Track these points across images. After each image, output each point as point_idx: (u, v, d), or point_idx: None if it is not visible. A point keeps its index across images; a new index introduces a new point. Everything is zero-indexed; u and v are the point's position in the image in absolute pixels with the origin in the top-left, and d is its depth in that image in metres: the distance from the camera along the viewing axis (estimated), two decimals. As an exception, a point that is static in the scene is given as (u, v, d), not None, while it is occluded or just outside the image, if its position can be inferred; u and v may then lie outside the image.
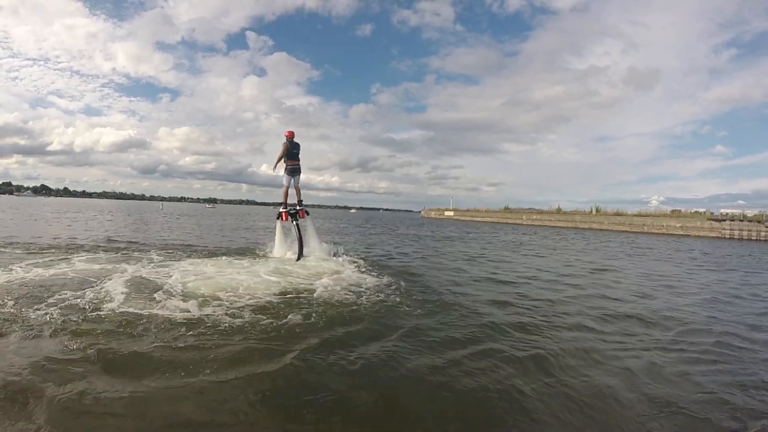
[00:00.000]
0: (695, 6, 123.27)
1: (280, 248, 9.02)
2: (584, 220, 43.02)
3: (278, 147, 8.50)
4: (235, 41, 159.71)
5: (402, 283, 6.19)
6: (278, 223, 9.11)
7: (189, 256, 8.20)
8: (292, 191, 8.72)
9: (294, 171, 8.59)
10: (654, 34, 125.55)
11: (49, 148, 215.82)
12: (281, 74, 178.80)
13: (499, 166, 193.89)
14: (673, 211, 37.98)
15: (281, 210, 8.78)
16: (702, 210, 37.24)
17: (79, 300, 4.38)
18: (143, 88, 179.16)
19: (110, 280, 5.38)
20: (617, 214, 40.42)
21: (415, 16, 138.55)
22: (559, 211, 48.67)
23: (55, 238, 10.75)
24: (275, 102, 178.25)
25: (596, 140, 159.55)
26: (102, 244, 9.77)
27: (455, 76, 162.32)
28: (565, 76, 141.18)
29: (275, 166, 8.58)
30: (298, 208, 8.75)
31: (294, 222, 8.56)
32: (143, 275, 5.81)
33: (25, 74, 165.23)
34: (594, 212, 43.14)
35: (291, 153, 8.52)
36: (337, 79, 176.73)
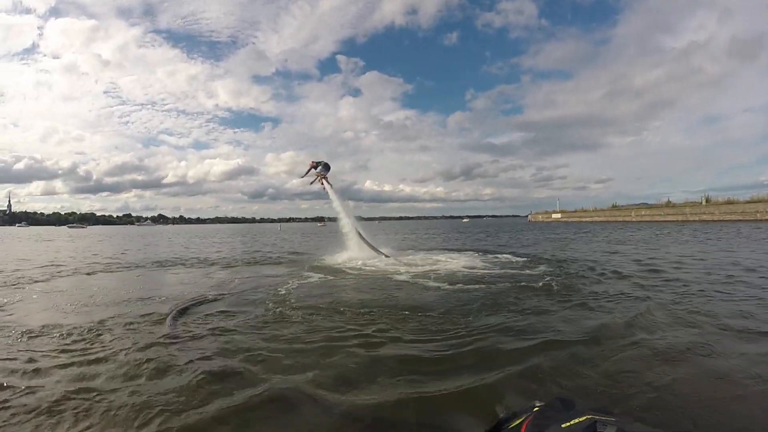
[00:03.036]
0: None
1: (360, 250, 11.74)
2: (694, 212, 43.40)
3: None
4: (327, 66, 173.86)
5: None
6: (354, 233, 12.33)
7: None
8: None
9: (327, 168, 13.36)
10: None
11: (164, 181, 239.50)
12: (375, 92, 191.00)
13: (605, 161, 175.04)
14: (793, 193, 36.21)
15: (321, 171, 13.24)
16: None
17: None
18: (246, 120, 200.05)
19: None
20: (728, 202, 40.12)
21: (498, 17, 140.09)
22: (668, 204, 49.03)
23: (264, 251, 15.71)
24: (373, 119, 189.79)
25: (705, 122, 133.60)
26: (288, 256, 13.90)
27: (549, 73, 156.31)
28: (662, 58, 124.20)
29: (307, 176, 13.21)
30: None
31: (327, 182, 13.11)
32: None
33: (135, 118, 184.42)
34: (704, 203, 43.21)
35: (318, 166, 13.25)
36: (431, 90, 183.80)
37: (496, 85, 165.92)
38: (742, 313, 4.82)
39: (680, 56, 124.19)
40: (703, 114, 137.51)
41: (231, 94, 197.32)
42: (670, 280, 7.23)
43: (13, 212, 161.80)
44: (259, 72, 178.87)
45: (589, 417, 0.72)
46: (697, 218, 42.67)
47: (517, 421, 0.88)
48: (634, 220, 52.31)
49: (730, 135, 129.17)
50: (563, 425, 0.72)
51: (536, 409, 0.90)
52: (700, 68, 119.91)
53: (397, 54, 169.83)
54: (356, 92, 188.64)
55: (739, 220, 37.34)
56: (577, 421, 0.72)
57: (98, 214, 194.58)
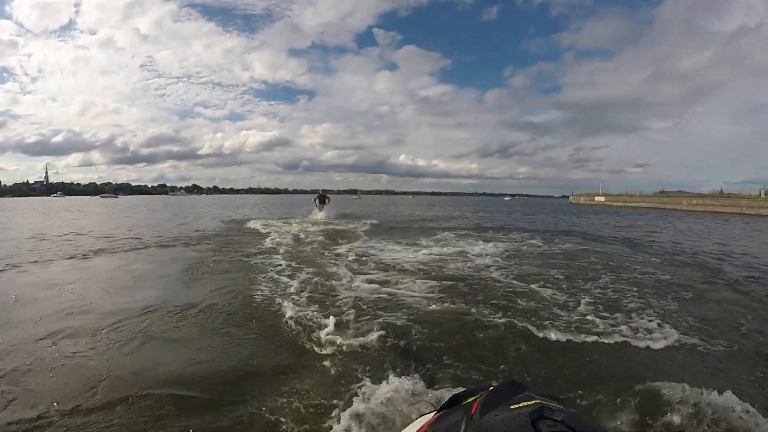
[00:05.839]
0: None
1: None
2: (752, 204, 42.43)
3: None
4: (364, 39, 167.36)
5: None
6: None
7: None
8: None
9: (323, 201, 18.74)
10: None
11: (200, 152, 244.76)
12: (412, 66, 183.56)
13: (644, 145, 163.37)
14: None
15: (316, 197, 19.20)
16: None
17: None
18: (281, 92, 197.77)
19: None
20: (790, 197, 39.23)
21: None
22: (721, 194, 48.08)
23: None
24: (409, 93, 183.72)
25: (752, 110, 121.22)
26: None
27: (589, 52, 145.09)
28: (709, 40, 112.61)
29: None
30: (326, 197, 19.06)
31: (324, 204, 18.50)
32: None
33: (171, 90, 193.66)
34: (763, 195, 42.33)
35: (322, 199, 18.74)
36: (469, 66, 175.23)
37: (536, 62, 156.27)
38: None
39: (728, 40, 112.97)
40: (750, 102, 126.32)
41: (267, 66, 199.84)
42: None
43: (51, 183, 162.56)
44: (294, 45, 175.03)
45: (537, 402, 0.74)
46: (754, 212, 41.78)
47: (471, 399, 0.91)
48: (684, 208, 51.14)
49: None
50: (512, 406, 0.74)
51: (491, 388, 0.92)
52: (749, 53, 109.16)
53: (435, 28, 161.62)
54: (393, 66, 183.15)
55: (801, 217, 36.66)
56: (525, 404, 0.74)
57: (134, 184, 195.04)
